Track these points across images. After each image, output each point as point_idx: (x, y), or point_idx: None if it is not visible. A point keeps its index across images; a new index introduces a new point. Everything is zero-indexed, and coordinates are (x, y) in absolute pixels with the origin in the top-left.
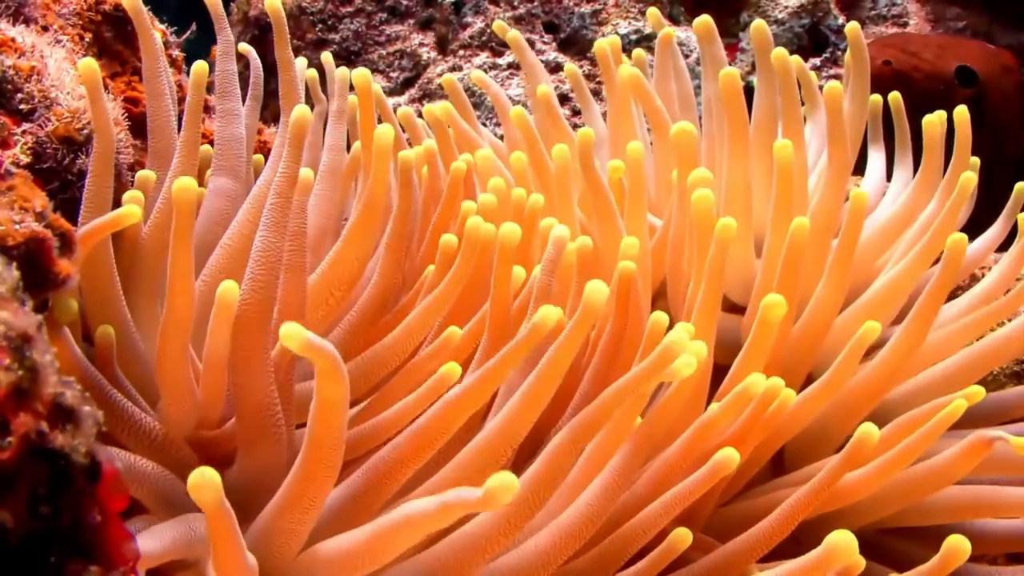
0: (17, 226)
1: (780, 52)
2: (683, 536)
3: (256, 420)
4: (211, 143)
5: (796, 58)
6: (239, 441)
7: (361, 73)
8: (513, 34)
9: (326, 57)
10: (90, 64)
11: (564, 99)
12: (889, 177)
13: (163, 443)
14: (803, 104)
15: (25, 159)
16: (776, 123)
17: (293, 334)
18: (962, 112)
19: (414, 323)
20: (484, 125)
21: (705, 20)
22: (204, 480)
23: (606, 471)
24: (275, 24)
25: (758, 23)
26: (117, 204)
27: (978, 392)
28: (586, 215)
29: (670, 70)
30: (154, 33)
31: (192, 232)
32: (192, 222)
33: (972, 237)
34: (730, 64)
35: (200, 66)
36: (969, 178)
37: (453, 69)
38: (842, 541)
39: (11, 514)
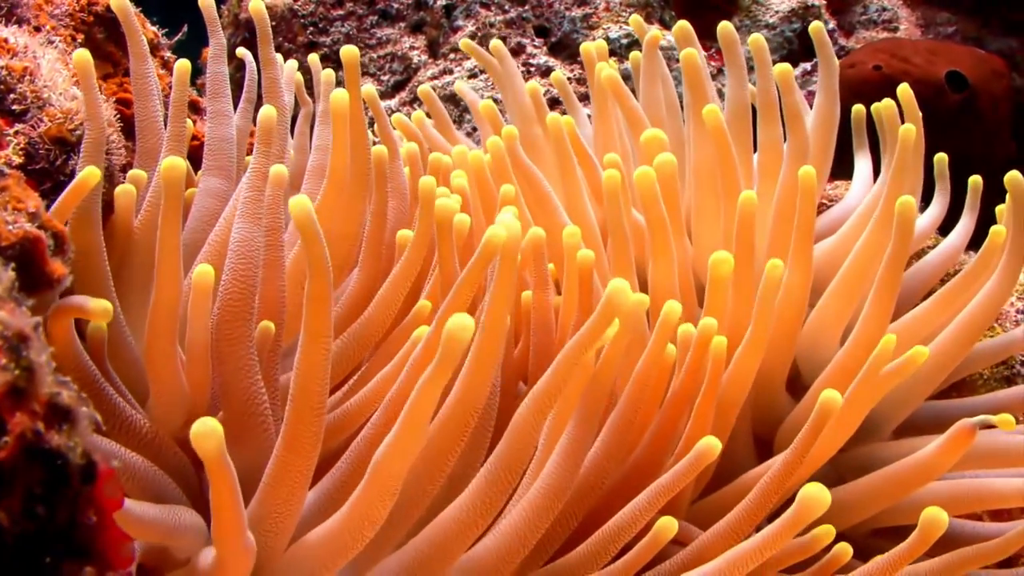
0: (10, 227)
1: (756, 37)
2: (668, 526)
3: (243, 411)
4: (202, 145)
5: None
6: (226, 436)
7: (349, 49)
8: (495, 43)
9: (313, 58)
10: (83, 55)
11: (555, 102)
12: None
13: (153, 441)
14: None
15: (17, 160)
16: (748, 113)
17: (300, 204)
18: (905, 90)
19: (386, 294)
20: (476, 129)
21: (682, 25)
22: (207, 428)
23: (562, 441)
24: (258, 24)
25: (724, 24)
26: (110, 206)
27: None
28: (529, 209)
29: (657, 74)
30: (141, 34)
31: (180, 211)
32: (180, 201)
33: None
34: (720, 69)
35: (183, 63)
36: (908, 129)
37: (444, 72)
38: (812, 494)
39: (6, 514)
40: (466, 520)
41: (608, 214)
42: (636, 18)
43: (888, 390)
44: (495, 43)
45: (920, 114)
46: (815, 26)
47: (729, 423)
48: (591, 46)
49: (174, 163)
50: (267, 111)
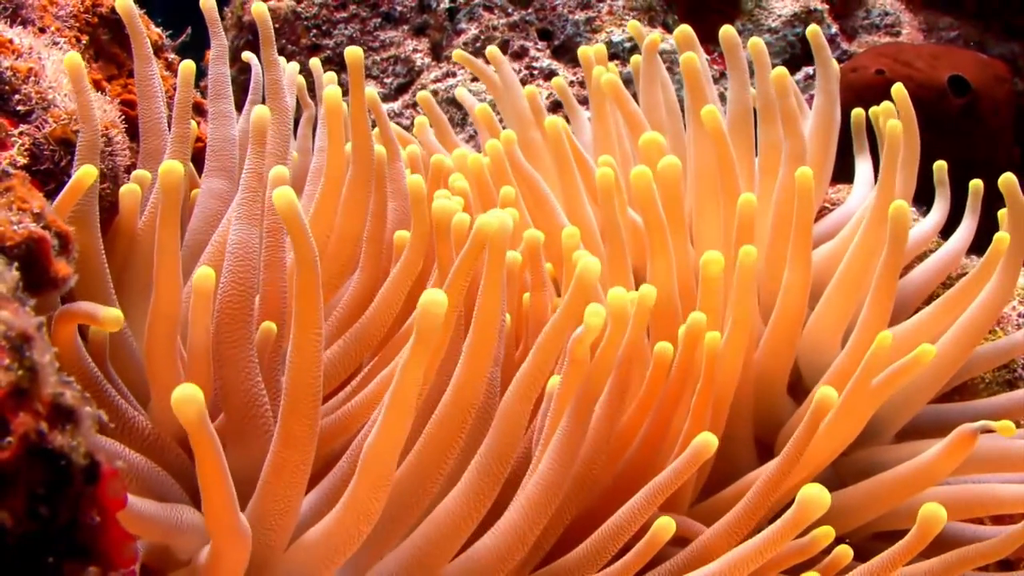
0: (15, 227)
1: (755, 41)
2: (666, 525)
3: (243, 413)
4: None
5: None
6: (228, 437)
7: (353, 51)
8: (491, 49)
9: (314, 63)
10: (74, 57)
11: (558, 106)
12: None
13: (155, 443)
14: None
15: (22, 160)
16: (750, 116)
17: (284, 195)
18: (899, 89)
19: (386, 294)
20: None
21: (683, 30)
22: (186, 394)
23: (556, 436)
24: (260, 26)
25: (726, 28)
26: (115, 206)
27: (928, 352)
28: (528, 211)
29: (657, 77)
30: (145, 36)
31: (178, 215)
32: (178, 205)
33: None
34: (723, 72)
35: (188, 64)
36: (894, 125)
37: (447, 75)
38: (812, 495)
39: (9, 514)
40: (460, 513)
41: (603, 212)
42: (634, 23)
43: (895, 389)
44: (491, 49)
45: (913, 112)
46: (812, 29)
47: (722, 418)
48: (589, 50)
49: (172, 167)
50: (260, 112)
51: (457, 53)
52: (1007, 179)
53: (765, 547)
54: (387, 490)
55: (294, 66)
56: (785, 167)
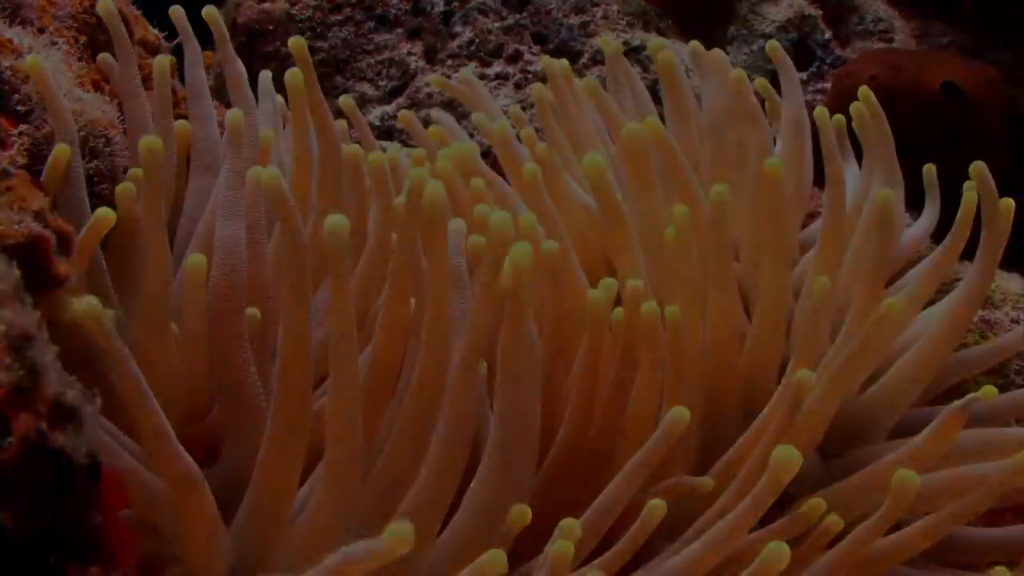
0: (16, 226)
1: (715, 51)
2: (657, 505)
3: (238, 406)
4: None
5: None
6: (224, 431)
7: (296, 41)
8: (464, 71)
9: (289, 73)
10: (35, 60)
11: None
12: None
13: None
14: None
15: (22, 160)
16: (723, 119)
17: (271, 174)
18: (863, 91)
19: (365, 272)
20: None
21: (658, 42)
22: (85, 303)
23: (497, 398)
24: (212, 26)
25: (692, 43)
26: (114, 205)
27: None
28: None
29: (625, 84)
30: (127, 36)
31: (161, 193)
32: (160, 181)
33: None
34: None
35: (162, 60)
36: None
37: None
38: (784, 456)
39: (11, 514)
40: (432, 492)
41: (526, 201)
42: (605, 39)
43: (876, 340)
44: (463, 72)
45: (879, 108)
46: (771, 44)
47: (698, 393)
48: (554, 63)
49: (151, 144)
50: (233, 114)
51: (433, 79)
52: (977, 166)
53: (746, 514)
54: (358, 449)
55: (266, 74)
56: (754, 157)
